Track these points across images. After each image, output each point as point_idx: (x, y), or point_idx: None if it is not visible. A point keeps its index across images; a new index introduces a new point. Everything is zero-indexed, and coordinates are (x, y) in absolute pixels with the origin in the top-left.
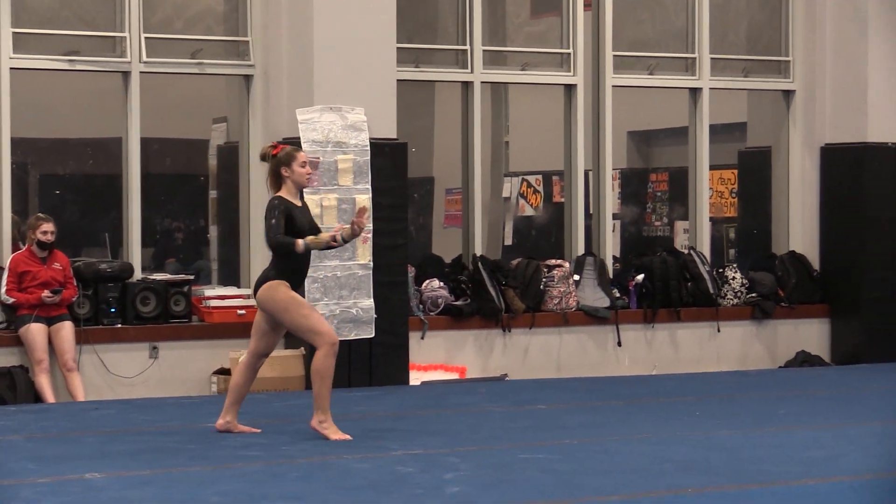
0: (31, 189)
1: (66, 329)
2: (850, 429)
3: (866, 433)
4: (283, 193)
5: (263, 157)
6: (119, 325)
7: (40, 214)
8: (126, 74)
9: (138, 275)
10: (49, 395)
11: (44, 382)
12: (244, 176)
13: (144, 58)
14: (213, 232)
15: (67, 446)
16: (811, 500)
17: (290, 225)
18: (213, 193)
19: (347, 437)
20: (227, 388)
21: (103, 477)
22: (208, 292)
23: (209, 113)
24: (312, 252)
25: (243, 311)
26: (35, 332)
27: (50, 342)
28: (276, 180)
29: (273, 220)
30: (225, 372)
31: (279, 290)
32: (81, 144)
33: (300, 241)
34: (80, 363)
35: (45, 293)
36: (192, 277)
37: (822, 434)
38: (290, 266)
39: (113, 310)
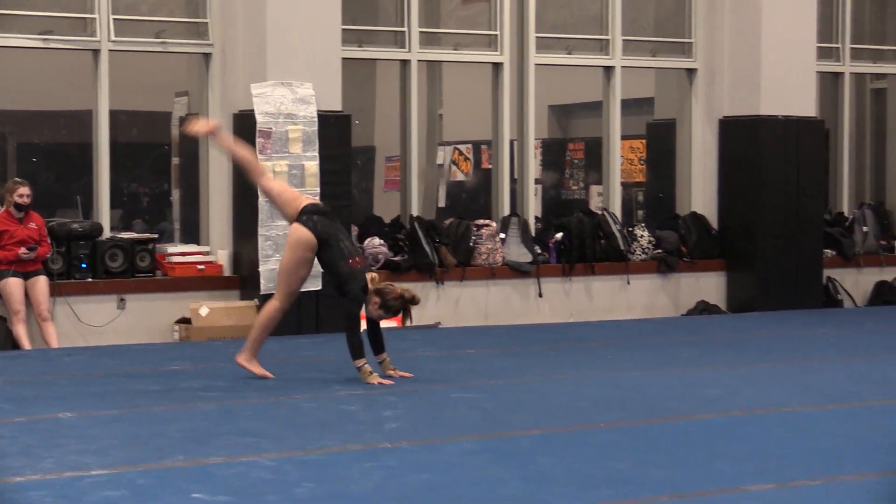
0: (10, 156)
1: (41, 282)
2: (743, 369)
3: (758, 373)
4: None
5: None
6: (89, 279)
7: (17, 179)
8: (96, 52)
9: (107, 234)
10: (25, 343)
11: (20, 331)
12: (203, 145)
13: (113, 37)
14: (176, 195)
15: (42, 389)
16: (710, 432)
17: None
18: (175, 160)
19: (269, 374)
20: (188, 336)
21: (75, 416)
22: (171, 249)
23: (172, 87)
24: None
25: (202, 267)
26: (12, 285)
27: (26, 295)
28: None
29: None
30: (186, 321)
31: (305, 231)
32: (55, 116)
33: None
34: (54, 313)
35: (22, 250)
36: (156, 236)
37: (720, 374)
38: None
39: (84, 265)
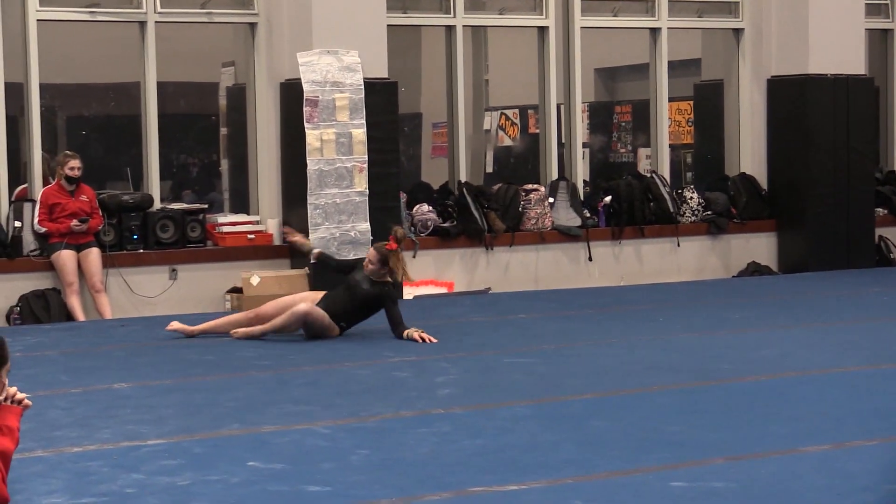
0: (60, 130)
1: (94, 254)
2: (796, 330)
3: (810, 333)
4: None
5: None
6: (141, 251)
7: (68, 152)
8: (142, 24)
9: (157, 205)
10: (79, 314)
11: (74, 303)
12: (251, 114)
13: (159, 9)
14: (224, 165)
15: (97, 360)
16: (764, 394)
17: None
18: (223, 131)
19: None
20: (240, 306)
21: (130, 386)
22: (221, 219)
23: (218, 58)
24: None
25: (253, 236)
26: (66, 257)
27: (79, 267)
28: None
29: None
30: (237, 290)
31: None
32: (103, 89)
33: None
34: (107, 285)
35: (74, 222)
36: (206, 206)
37: (772, 335)
38: None
39: (135, 237)
